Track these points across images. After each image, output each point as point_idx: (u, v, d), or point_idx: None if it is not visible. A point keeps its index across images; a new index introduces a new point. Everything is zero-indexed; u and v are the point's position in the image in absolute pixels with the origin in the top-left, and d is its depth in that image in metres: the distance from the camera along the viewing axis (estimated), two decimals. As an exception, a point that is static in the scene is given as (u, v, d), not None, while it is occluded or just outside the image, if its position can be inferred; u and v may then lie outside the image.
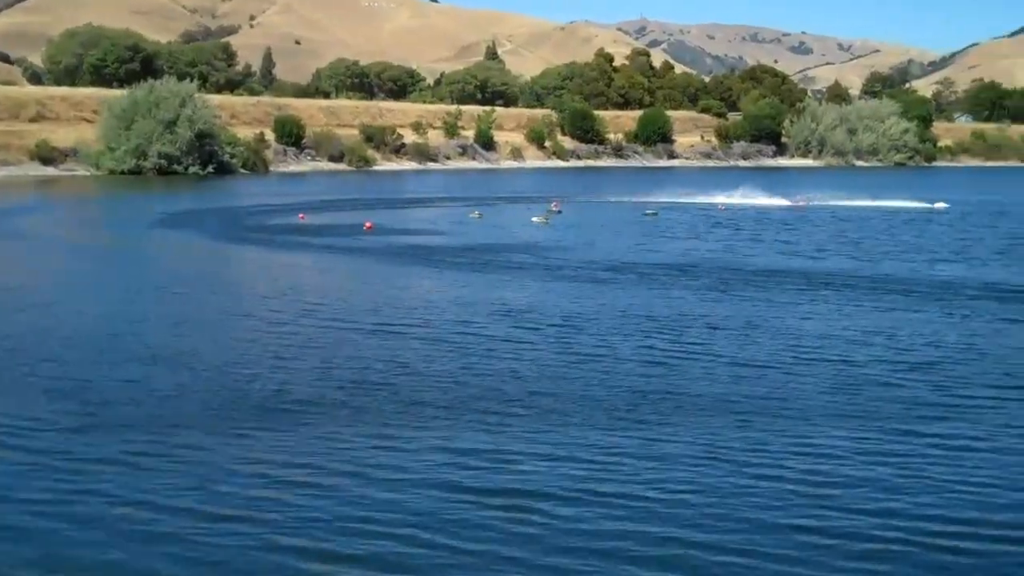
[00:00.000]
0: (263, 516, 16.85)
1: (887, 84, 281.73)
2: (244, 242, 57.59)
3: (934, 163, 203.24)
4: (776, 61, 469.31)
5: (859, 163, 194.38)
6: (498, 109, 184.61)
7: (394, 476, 18.64)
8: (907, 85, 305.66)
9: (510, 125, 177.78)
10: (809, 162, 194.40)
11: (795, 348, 29.71)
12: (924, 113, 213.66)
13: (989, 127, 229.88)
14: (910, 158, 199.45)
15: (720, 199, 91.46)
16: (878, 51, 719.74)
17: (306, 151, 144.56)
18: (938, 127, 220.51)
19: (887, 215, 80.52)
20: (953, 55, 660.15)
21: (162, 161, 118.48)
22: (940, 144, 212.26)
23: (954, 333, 32.47)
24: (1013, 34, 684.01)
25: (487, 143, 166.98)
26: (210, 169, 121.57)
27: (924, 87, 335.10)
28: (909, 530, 16.57)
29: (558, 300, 38.11)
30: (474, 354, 28.31)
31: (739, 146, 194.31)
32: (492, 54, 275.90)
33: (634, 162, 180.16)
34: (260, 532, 16.26)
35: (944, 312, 36.54)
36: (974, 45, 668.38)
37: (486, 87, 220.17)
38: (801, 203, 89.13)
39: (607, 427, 21.66)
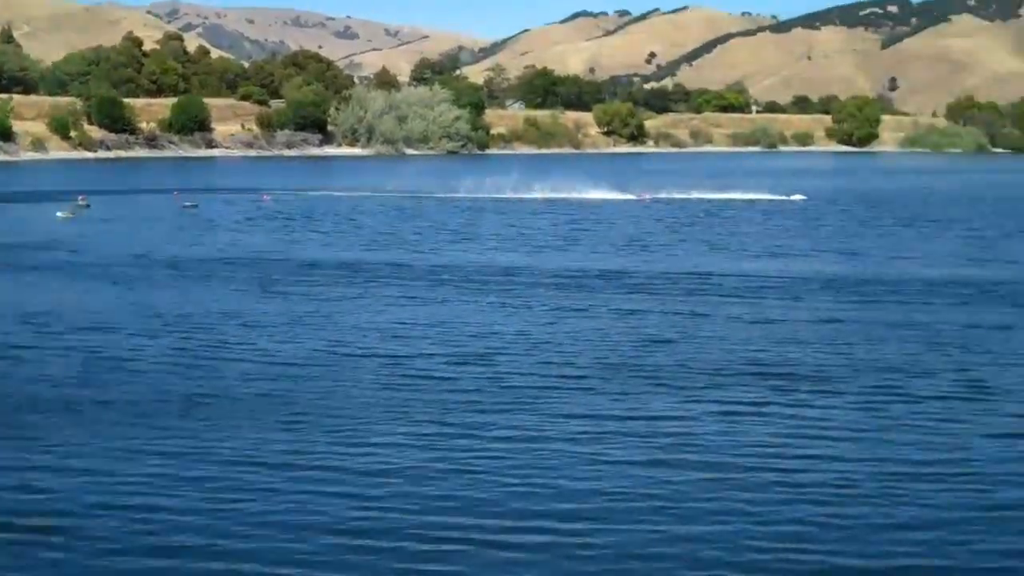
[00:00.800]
0: None
1: (437, 71, 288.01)
2: None
3: (487, 151, 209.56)
4: (321, 47, 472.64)
5: (410, 151, 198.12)
6: (16, 97, 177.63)
7: None
8: (458, 72, 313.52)
9: (30, 114, 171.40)
10: (358, 151, 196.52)
11: (346, 344, 29.68)
12: (476, 100, 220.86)
13: (542, 114, 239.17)
14: (463, 146, 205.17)
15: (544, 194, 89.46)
16: (427, 37, 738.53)
17: None
18: (491, 114, 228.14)
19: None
20: (504, 41, 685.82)
21: None
22: (493, 132, 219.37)
23: (512, 323, 33.37)
24: (564, 20, 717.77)
25: (4, 134, 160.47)
26: None
27: (475, 74, 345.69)
28: (463, 527, 16.57)
29: (83, 300, 36.76)
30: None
31: (283, 135, 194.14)
32: (7, 37, 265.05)
33: (170, 152, 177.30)
34: None
35: (500, 301, 37.50)
36: (525, 31, 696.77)
37: (1, 73, 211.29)
38: (645, 197, 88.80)
39: (142, 436, 20.78)
